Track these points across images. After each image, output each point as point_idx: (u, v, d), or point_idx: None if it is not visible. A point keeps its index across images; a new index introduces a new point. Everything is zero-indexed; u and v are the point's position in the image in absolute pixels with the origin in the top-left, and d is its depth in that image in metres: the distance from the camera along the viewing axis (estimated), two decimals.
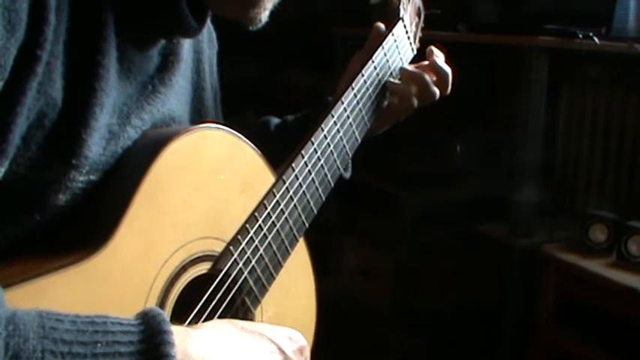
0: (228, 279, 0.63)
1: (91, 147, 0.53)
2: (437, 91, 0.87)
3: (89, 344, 0.43)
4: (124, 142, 0.57)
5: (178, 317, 0.58)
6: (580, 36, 1.73)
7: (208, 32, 0.79)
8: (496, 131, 2.20)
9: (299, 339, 0.59)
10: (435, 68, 0.88)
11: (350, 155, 0.79)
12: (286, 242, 0.69)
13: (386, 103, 0.86)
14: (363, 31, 0.90)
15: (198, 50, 0.75)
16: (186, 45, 0.70)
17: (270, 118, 0.92)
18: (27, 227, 0.52)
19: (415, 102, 0.87)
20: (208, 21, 0.78)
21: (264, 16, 0.63)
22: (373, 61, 0.82)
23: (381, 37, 0.85)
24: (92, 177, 0.54)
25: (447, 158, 2.35)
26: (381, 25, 0.88)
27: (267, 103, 2.52)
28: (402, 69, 0.87)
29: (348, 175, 0.89)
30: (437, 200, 2.34)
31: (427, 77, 0.86)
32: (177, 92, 0.67)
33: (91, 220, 0.54)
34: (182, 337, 0.48)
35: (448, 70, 0.88)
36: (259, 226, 0.65)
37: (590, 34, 1.73)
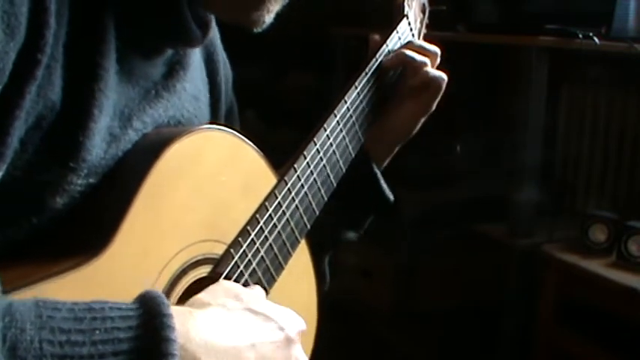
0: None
1: (90, 150, 0.52)
2: (435, 73, 0.82)
3: (87, 332, 0.42)
4: (125, 145, 0.57)
5: None
6: (580, 36, 1.73)
7: (223, 57, 0.78)
8: (496, 131, 2.20)
9: (300, 321, 0.59)
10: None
11: (353, 155, 0.79)
12: (288, 244, 0.69)
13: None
14: (363, 31, 0.89)
15: (214, 71, 0.75)
16: (197, 61, 0.69)
17: None
18: (24, 231, 0.51)
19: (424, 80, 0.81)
20: (218, 41, 0.78)
21: (268, 18, 0.62)
22: (377, 59, 0.82)
23: (378, 46, 0.84)
24: (91, 180, 0.54)
25: (447, 158, 2.35)
26: (377, 36, 0.86)
27: (268, 103, 2.52)
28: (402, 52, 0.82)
29: (392, 197, 0.87)
30: (437, 200, 2.34)
31: (412, 53, 0.81)
32: (186, 100, 0.67)
33: (90, 224, 0.54)
34: (183, 319, 0.47)
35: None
36: (261, 227, 0.65)
37: (590, 34, 1.73)
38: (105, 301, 0.45)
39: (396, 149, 0.88)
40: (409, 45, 0.85)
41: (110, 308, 0.44)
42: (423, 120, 0.86)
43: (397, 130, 0.86)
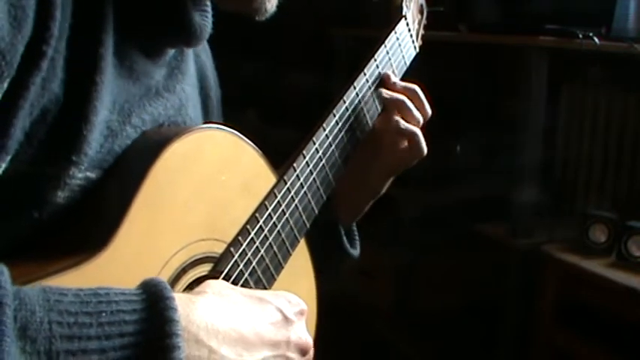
0: (228, 280, 0.63)
1: (90, 143, 0.53)
2: (419, 116, 0.82)
3: (94, 314, 0.44)
4: (123, 140, 0.57)
5: None
6: (580, 36, 1.73)
7: (214, 75, 0.79)
8: (496, 131, 2.20)
9: (298, 302, 0.60)
10: (404, 89, 0.82)
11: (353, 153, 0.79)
12: (287, 243, 0.69)
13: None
14: (363, 31, 0.90)
15: (200, 65, 0.75)
16: (193, 73, 0.70)
17: None
18: (25, 225, 0.51)
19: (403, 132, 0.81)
20: (210, 60, 0.78)
21: (270, 6, 0.62)
22: (375, 59, 0.82)
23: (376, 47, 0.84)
24: (89, 174, 0.54)
25: (447, 158, 2.35)
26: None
27: (268, 103, 2.52)
28: (380, 92, 0.81)
29: (356, 253, 0.87)
30: (437, 200, 2.34)
31: (407, 100, 0.81)
32: (186, 103, 0.67)
33: (90, 222, 0.54)
34: (184, 303, 0.49)
35: (414, 86, 0.83)
36: (260, 226, 0.65)
37: (590, 34, 1.73)
38: (109, 287, 0.47)
39: (366, 208, 0.86)
40: (401, 89, 0.83)
41: (115, 293, 0.46)
42: (391, 178, 0.86)
43: (367, 181, 0.84)
